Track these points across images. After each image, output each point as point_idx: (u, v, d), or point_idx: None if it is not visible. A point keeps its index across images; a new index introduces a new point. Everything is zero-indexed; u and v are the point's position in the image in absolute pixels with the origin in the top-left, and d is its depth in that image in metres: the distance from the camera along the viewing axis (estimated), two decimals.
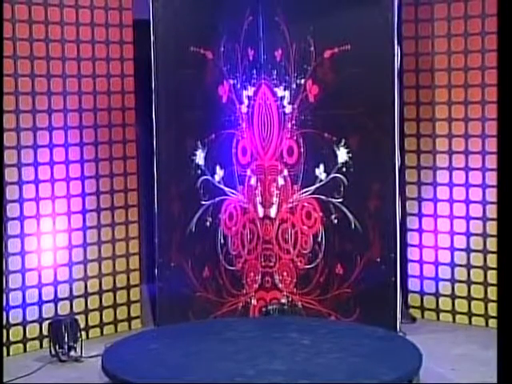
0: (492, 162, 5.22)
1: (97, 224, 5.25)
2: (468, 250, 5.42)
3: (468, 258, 5.43)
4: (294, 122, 5.36)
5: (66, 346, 4.87)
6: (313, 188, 5.29)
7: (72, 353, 4.89)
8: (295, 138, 5.37)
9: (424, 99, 5.48)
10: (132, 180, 5.38)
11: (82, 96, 5.17)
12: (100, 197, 5.25)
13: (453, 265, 5.48)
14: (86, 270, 5.25)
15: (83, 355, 4.88)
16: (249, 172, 5.48)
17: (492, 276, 5.29)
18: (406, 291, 5.49)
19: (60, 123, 5.11)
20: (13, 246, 4.97)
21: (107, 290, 5.35)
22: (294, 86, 5.27)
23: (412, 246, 5.59)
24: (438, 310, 5.57)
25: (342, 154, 5.15)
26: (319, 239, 5.28)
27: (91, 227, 5.25)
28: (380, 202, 5.06)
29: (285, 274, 5.37)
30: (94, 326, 5.30)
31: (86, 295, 5.26)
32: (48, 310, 5.11)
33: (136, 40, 5.29)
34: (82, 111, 5.17)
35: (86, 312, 5.26)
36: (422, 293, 5.60)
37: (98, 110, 5.22)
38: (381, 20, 4.96)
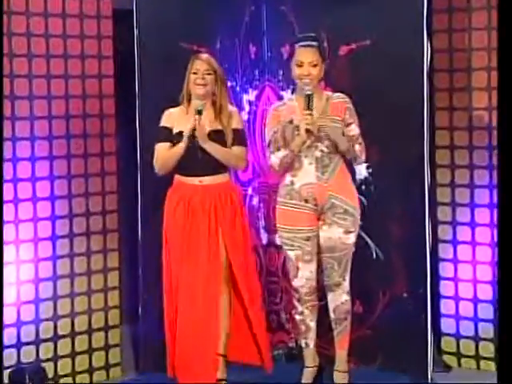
0: None
1: (69, 252, 5.00)
2: None
3: None
4: None
5: None
6: None
7: None
8: None
9: (459, 104, 5.18)
10: (111, 200, 5.14)
11: (52, 100, 4.89)
12: (73, 220, 5.00)
13: (495, 302, 5.09)
14: (55, 308, 4.97)
15: None
16: (250, 191, 5.34)
17: None
18: (438, 333, 5.20)
19: (25, 133, 4.82)
20: None
21: (81, 332, 5.08)
22: None
23: (445, 279, 5.26)
24: (477, 357, 5.20)
25: (361, 170, 4.95)
26: None
27: (62, 256, 4.99)
28: (406, 226, 4.89)
29: (293, 312, 4.97)
30: (64, 376, 5.04)
31: (55, 338, 4.98)
32: (9, 357, 4.83)
33: (116, 34, 5.09)
34: (52, 118, 4.90)
35: (56, 358, 4.99)
36: (458, 336, 5.26)
37: (70, 117, 4.97)
38: (407, 10, 4.76)
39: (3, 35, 4.59)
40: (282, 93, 5.23)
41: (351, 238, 4.51)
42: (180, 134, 4.48)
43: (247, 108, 5.30)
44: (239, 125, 4.59)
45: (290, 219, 4.50)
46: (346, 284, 4.57)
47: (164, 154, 4.50)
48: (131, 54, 4.90)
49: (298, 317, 4.65)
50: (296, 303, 4.62)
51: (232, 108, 4.62)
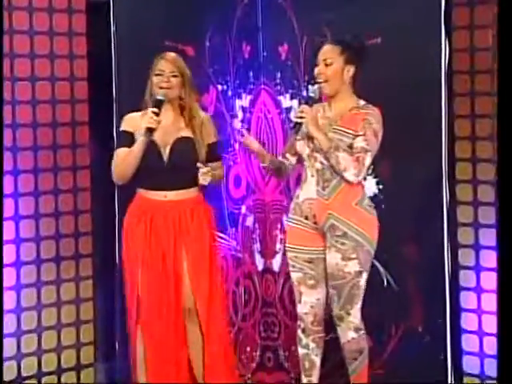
0: None
1: (36, 281, 4.79)
2: None
3: None
4: None
5: None
6: None
7: None
8: None
9: (481, 111, 4.88)
10: (84, 220, 4.98)
11: (17, 106, 4.71)
12: (40, 243, 4.81)
13: None
14: (19, 345, 4.76)
15: None
16: (244, 209, 5.21)
17: None
18: (460, 373, 4.96)
19: None
20: None
21: (49, 373, 4.88)
22: (304, 93, 4.94)
23: (467, 310, 4.99)
24: None
25: (370, 186, 4.82)
26: None
27: (28, 285, 4.79)
28: (422, 250, 4.79)
29: (293, 348, 4.94)
30: None
31: (19, 379, 4.76)
32: None
33: (90, 31, 4.96)
34: (17, 127, 4.72)
35: None
36: (482, 376, 4.93)
37: (38, 126, 4.80)
38: (423, 4, 4.66)
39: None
40: (280, 97, 5.11)
41: (350, 266, 4.12)
42: None
43: (240, 115, 5.11)
44: (214, 137, 4.37)
45: (293, 237, 4.26)
46: (352, 319, 4.19)
47: (123, 159, 4.23)
48: (108, 54, 4.78)
49: (301, 350, 4.30)
50: (300, 334, 4.29)
51: (203, 114, 4.39)
